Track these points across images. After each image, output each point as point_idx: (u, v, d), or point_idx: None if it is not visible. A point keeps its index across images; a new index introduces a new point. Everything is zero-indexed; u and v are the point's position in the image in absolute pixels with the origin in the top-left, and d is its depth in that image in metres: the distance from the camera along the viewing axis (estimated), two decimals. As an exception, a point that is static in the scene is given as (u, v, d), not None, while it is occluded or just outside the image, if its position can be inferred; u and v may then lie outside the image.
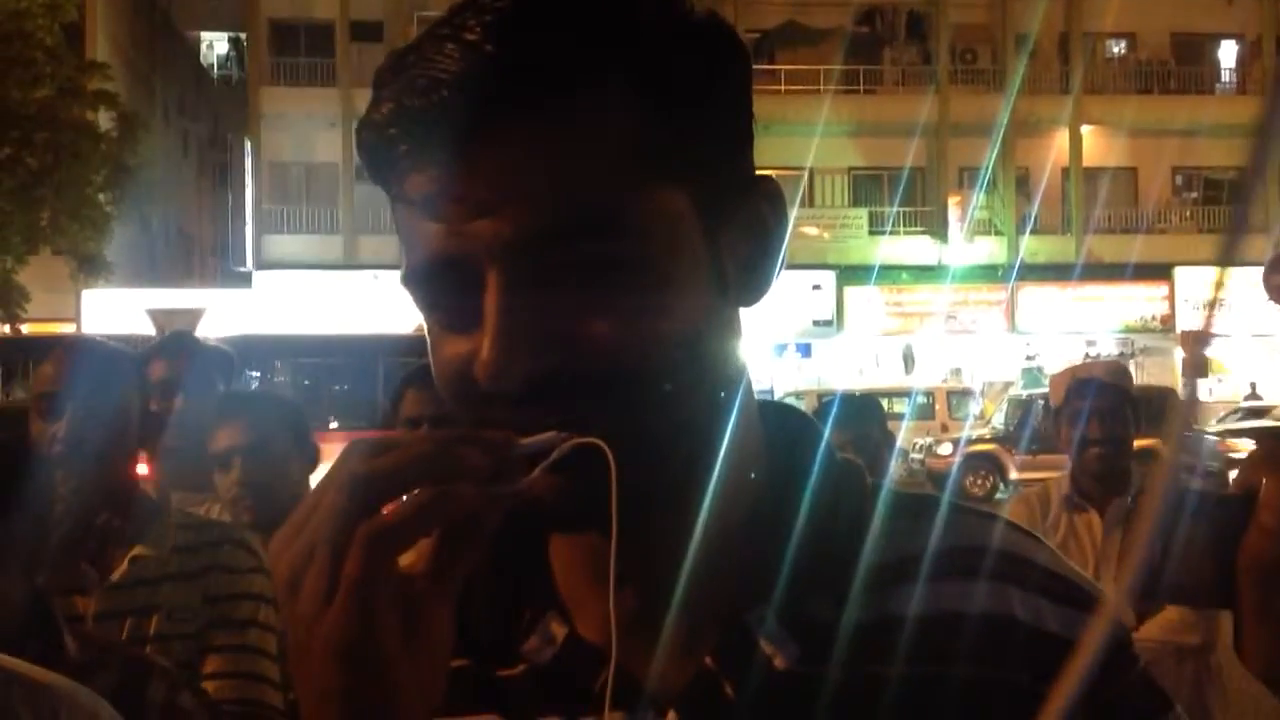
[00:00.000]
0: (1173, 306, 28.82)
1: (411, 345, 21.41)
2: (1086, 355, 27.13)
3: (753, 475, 0.80)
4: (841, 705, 0.75)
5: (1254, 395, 26.37)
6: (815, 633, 0.76)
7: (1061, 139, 29.56)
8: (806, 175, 27.10)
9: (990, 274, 29.00)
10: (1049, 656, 0.72)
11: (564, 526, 0.77)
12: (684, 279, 0.72)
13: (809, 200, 28.74)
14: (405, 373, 3.02)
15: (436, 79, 0.69)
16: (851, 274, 27.87)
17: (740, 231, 0.77)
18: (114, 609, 2.31)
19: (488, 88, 0.68)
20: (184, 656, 2.28)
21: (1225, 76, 31.35)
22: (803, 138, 24.87)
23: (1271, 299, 5.51)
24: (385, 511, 0.64)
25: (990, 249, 29.57)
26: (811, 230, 26.70)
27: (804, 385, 24.27)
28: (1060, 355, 28.93)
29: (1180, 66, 30.43)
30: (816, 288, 26.82)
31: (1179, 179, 31.08)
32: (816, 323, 27.51)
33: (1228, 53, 31.26)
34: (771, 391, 23.89)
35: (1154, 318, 29.27)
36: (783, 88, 27.84)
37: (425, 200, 0.71)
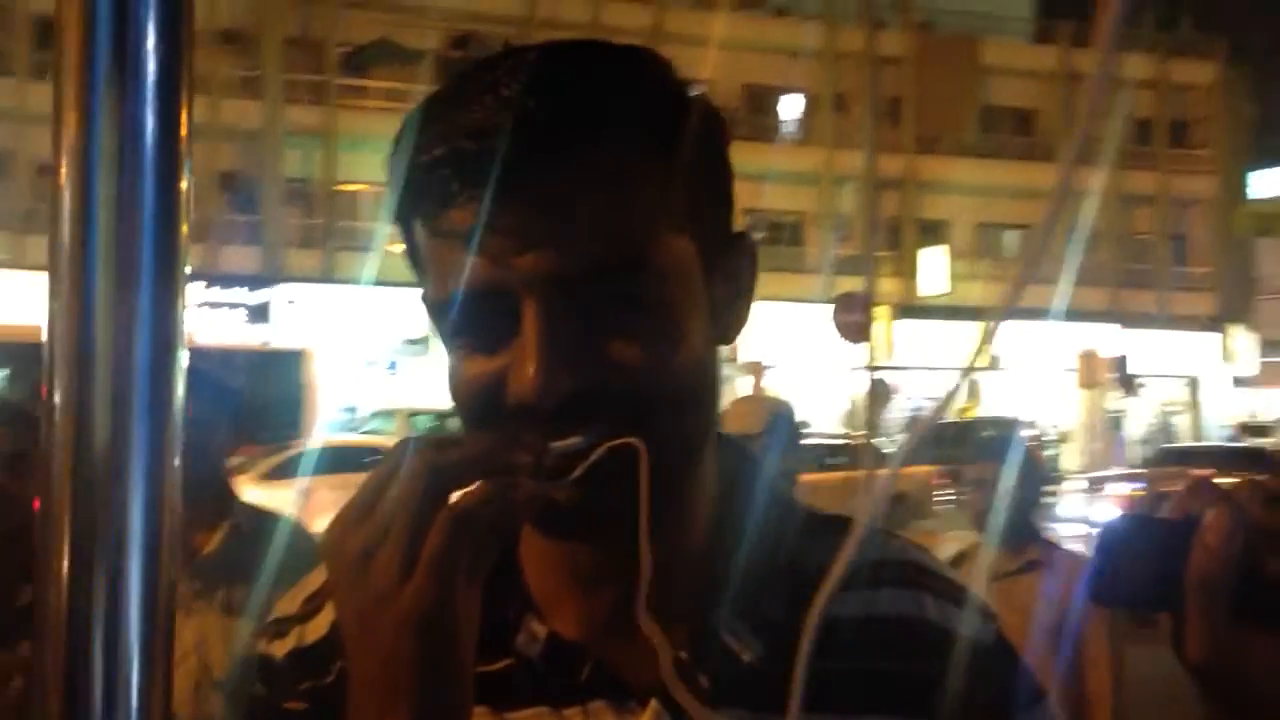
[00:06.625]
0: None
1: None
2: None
3: (711, 493, 0.92)
4: (798, 694, 0.85)
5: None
6: (771, 631, 0.88)
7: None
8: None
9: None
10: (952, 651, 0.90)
11: (583, 527, 0.83)
12: (691, 316, 0.84)
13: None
14: None
15: (484, 127, 0.78)
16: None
17: (725, 278, 0.88)
18: None
19: (533, 139, 0.78)
20: None
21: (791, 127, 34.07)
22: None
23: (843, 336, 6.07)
24: (458, 497, 0.72)
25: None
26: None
27: (391, 404, 23.98)
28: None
29: (751, 115, 32.79)
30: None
31: (747, 219, 33.40)
32: (409, 341, 27.28)
33: (791, 105, 33.98)
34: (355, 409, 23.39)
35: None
36: (374, 104, 27.59)
37: (470, 234, 0.79)
